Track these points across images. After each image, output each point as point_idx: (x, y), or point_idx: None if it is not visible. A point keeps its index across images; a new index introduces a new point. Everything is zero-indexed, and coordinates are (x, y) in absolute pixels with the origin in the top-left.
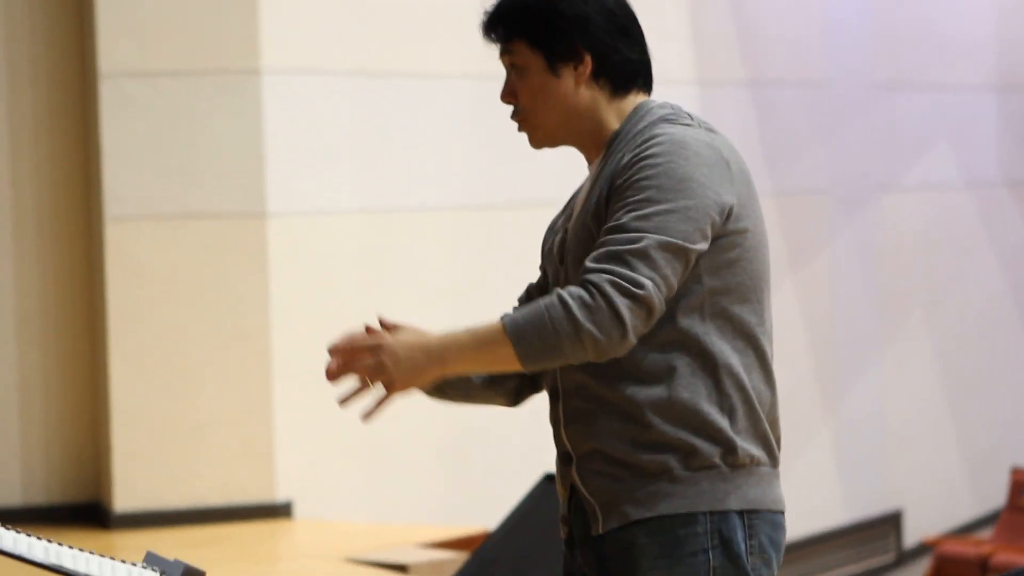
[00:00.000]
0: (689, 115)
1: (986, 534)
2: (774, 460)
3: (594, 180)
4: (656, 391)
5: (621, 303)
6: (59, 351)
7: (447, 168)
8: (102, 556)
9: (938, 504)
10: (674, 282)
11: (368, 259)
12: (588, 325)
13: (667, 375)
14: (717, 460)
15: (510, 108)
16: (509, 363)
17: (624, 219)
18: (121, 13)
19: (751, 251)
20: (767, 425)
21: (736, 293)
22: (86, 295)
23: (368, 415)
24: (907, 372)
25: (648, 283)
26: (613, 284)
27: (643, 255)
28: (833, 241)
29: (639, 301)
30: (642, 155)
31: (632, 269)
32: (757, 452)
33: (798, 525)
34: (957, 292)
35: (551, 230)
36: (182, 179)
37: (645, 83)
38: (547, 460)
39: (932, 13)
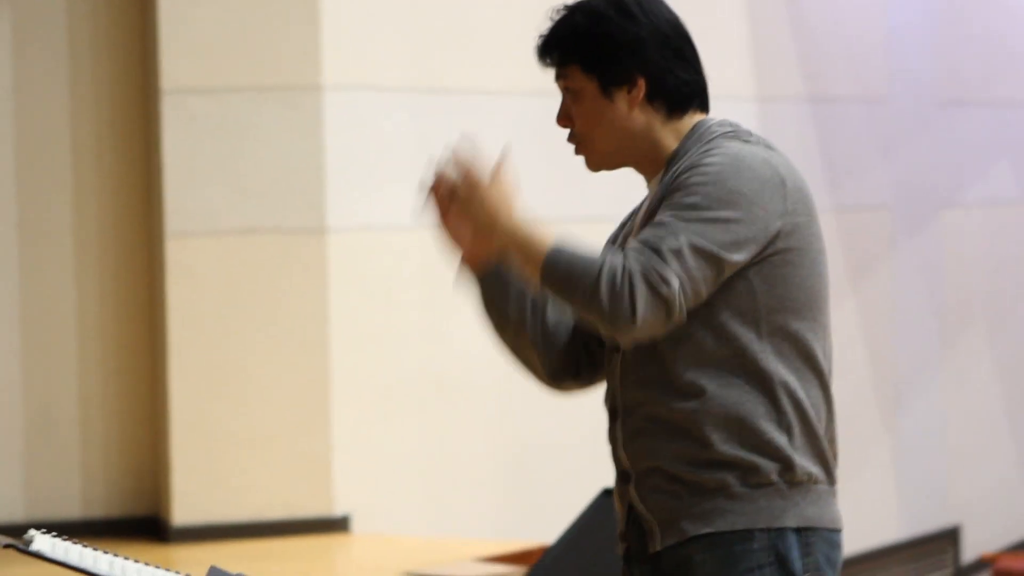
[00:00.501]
0: (749, 132)
1: None
2: (831, 478)
3: (652, 198)
4: (714, 409)
5: (641, 294)
6: (119, 365)
7: None
8: (167, 570)
9: (997, 520)
10: (702, 288)
11: (428, 275)
12: (604, 300)
13: (725, 393)
14: (775, 477)
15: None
16: (532, 266)
17: (666, 218)
18: (183, 30)
19: (805, 268)
20: (825, 443)
21: (792, 310)
22: (146, 310)
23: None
24: (967, 388)
25: (675, 282)
26: (644, 274)
27: (678, 253)
28: (894, 257)
29: (661, 298)
30: (697, 164)
31: (665, 263)
32: (815, 469)
33: (855, 540)
34: (1018, 309)
35: (609, 245)
36: (242, 194)
37: (701, 103)
38: (606, 475)
39: (994, 29)
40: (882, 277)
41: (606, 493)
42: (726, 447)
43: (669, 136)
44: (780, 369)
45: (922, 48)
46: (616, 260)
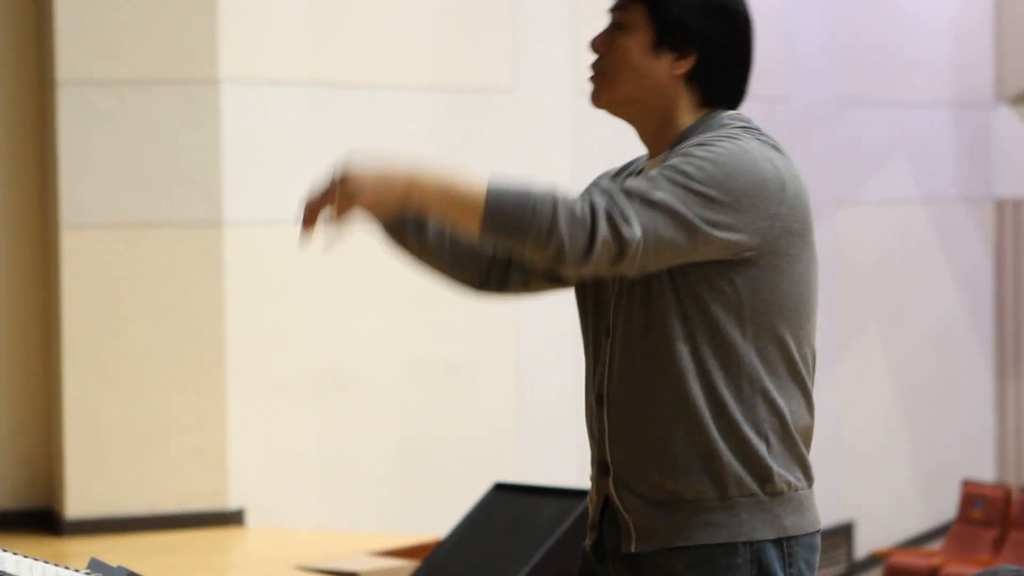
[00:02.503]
0: (759, 129)
1: (937, 546)
2: (810, 480)
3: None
4: (700, 407)
5: (602, 230)
6: (13, 358)
7: None
8: (46, 562)
9: (890, 516)
10: (665, 250)
11: (324, 269)
12: (562, 228)
13: (713, 393)
14: (755, 489)
15: (463, 123)
16: (469, 217)
17: (656, 175)
18: (80, 21)
19: (794, 276)
20: (803, 448)
21: (778, 316)
22: (41, 302)
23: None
24: (862, 385)
25: (638, 229)
26: (608, 212)
27: (651, 204)
28: None
29: (620, 239)
30: (705, 142)
31: (633, 208)
32: (793, 477)
33: None
34: (913, 307)
35: None
36: (139, 188)
37: (732, 105)
38: (499, 468)
39: (892, 31)
40: None
41: (497, 488)
42: (710, 451)
43: (687, 117)
44: (762, 374)
45: (820, 49)
46: (572, 196)
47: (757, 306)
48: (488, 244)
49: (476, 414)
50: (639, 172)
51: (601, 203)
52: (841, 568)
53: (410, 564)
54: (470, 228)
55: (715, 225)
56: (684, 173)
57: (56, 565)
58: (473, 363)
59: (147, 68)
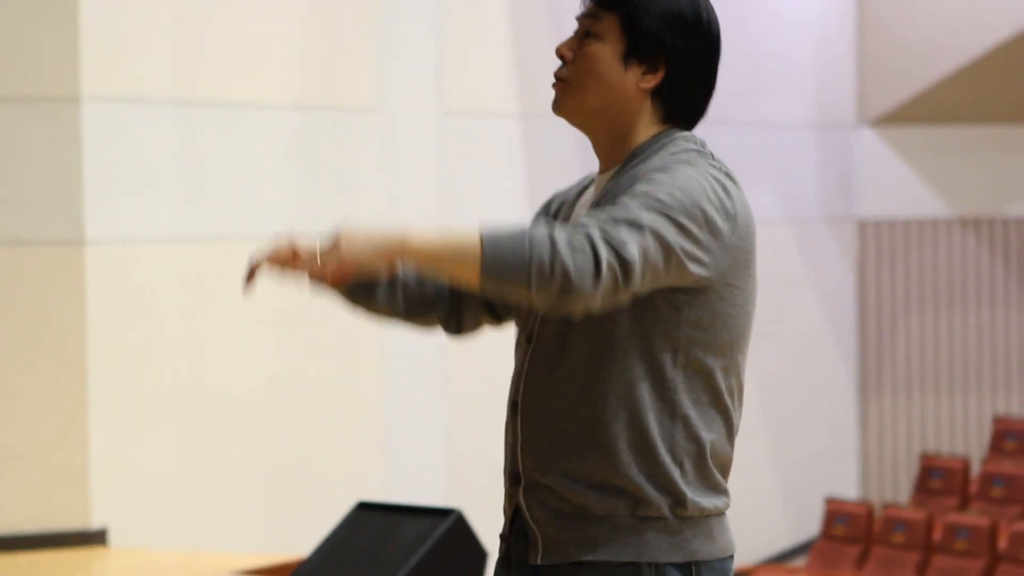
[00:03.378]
0: (713, 155)
1: (801, 563)
2: (725, 503)
3: (600, 195)
4: (618, 430)
5: (604, 254)
6: None
7: (268, 197)
8: None
9: (754, 533)
10: (651, 276)
11: (189, 287)
12: (566, 259)
13: (632, 412)
14: (665, 511)
15: (328, 141)
16: (467, 267)
17: (629, 201)
18: None
19: (737, 307)
20: (719, 477)
21: (713, 345)
22: None
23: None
24: None
25: (637, 253)
26: (605, 238)
27: (639, 229)
28: None
29: (623, 262)
30: (668, 165)
31: (626, 236)
32: (707, 503)
33: None
34: (776, 326)
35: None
36: (0, 205)
37: (690, 124)
38: (364, 488)
39: (754, 51)
40: None
41: (360, 507)
42: (623, 472)
43: (644, 133)
44: (685, 401)
45: None
46: (565, 230)
47: (695, 336)
48: (489, 293)
49: (342, 433)
50: (589, 185)
51: (595, 231)
52: None
53: None
54: (470, 278)
55: (689, 257)
56: (659, 200)
57: None
58: (339, 381)
59: (7, 85)
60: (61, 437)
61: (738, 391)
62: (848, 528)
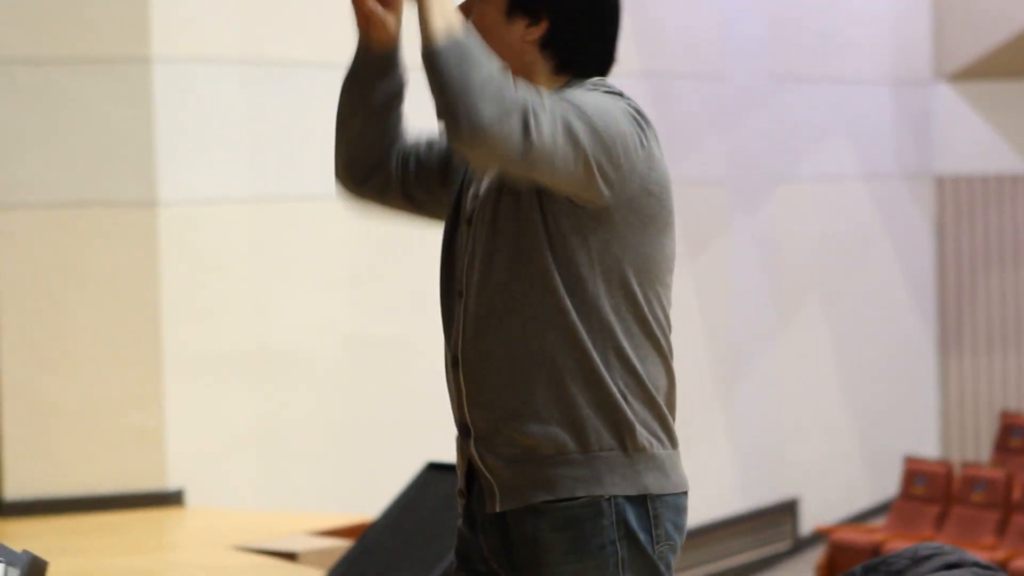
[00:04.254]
0: (623, 95)
1: (880, 522)
2: (674, 441)
3: None
4: (560, 360)
5: (515, 119)
6: None
7: None
8: None
9: (834, 493)
10: (560, 168)
11: (259, 247)
12: (495, 96)
13: (572, 346)
14: (615, 444)
15: None
16: (431, 30)
17: (550, 98)
18: None
19: (649, 235)
20: (665, 408)
21: (631, 271)
22: None
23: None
24: (803, 362)
25: (548, 137)
26: (526, 102)
27: (554, 116)
28: (729, 232)
29: (528, 136)
30: (573, 89)
31: (544, 117)
32: (656, 435)
33: (695, 512)
34: (853, 283)
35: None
36: (71, 167)
37: (597, 75)
38: (438, 447)
39: (829, 8)
40: (718, 252)
41: (430, 467)
42: (570, 404)
43: (544, 86)
44: (617, 331)
45: (757, 25)
46: (521, 88)
47: (609, 262)
48: (426, 71)
49: (413, 392)
50: None
51: (530, 95)
52: (786, 545)
53: (347, 543)
54: (426, 45)
55: (596, 161)
56: (576, 104)
57: None
58: (410, 341)
59: (77, 47)
60: (137, 398)
61: (666, 323)
62: (927, 487)
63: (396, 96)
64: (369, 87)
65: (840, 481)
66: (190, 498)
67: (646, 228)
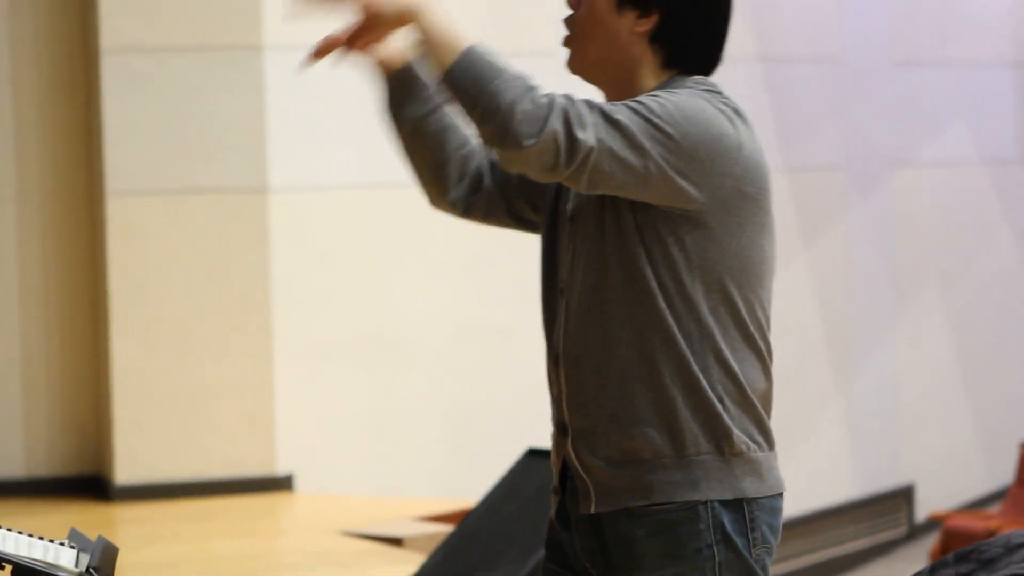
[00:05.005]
0: (722, 94)
1: (997, 509)
2: (771, 443)
3: None
4: (660, 361)
5: (554, 122)
6: (62, 324)
7: None
8: (20, 533)
9: (950, 479)
10: (619, 172)
11: (369, 234)
12: (518, 106)
13: (671, 348)
14: (712, 448)
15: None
16: (442, 57)
17: (615, 103)
18: None
19: (747, 238)
20: (761, 411)
21: (729, 275)
22: (89, 269)
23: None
24: (921, 347)
25: (592, 139)
26: (565, 110)
27: (611, 122)
28: (847, 217)
29: (571, 138)
30: (662, 89)
31: (590, 120)
32: (752, 439)
33: (809, 498)
34: (972, 268)
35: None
36: (184, 154)
37: (702, 71)
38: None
39: None
40: (835, 237)
41: (530, 453)
42: (669, 408)
43: (650, 79)
44: (716, 333)
45: (876, 9)
46: (546, 90)
47: (706, 266)
48: (444, 96)
49: (523, 380)
50: None
51: (561, 101)
52: (902, 531)
53: (452, 529)
54: (439, 70)
55: (670, 164)
56: (647, 107)
57: (31, 536)
58: (520, 329)
59: (191, 35)
60: (247, 384)
61: (766, 325)
62: None
63: (432, 112)
64: (399, 112)
65: (957, 468)
66: (299, 483)
67: (743, 230)
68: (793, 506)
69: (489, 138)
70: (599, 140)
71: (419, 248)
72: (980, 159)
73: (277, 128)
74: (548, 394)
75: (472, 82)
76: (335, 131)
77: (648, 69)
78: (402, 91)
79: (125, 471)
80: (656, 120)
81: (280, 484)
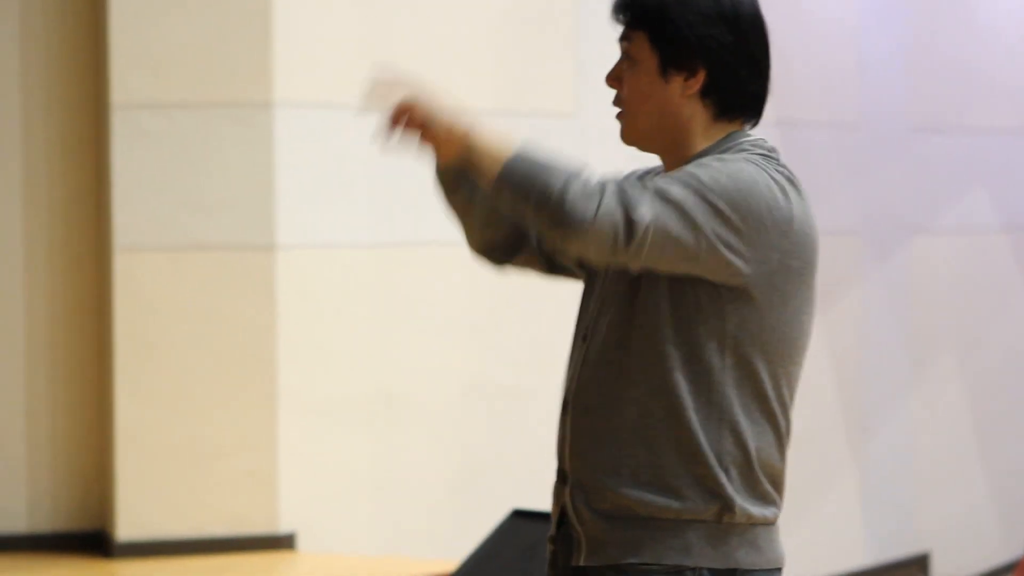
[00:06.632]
0: (779, 160)
1: None
2: (775, 517)
3: None
4: (667, 431)
5: (609, 204)
6: (66, 379)
7: None
8: None
9: (967, 547)
10: (672, 249)
11: (377, 292)
12: (572, 194)
13: (679, 415)
14: (710, 516)
15: None
16: (489, 167)
17: (667, 177)
18: (134, 44)
19: (789, 314)
20: (768, 486)
21: (762, 354)
22: (94, 323)
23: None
24: (938, 414)
25: (648, 215)
26: (619, 192)
27: (665, 200)
28: (863, 282)
29: (628, 220)
30: (723, 156)
31: (643, 200)
32: (755, 511)
33: (822, 565)
34: (991, 335)
35: None
36: (192, 210)
37: (753, 117)
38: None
39: (969, 55)
40: (851, 302)
41: (515, 514)
42: (668, 474)
43: (703, 139)
44: (734, 407)
45: (894, 74)
46: (592, 180)
47: (741, 337)
48: (501, 206)
49: (532, 440)
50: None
51: (613, 184)
52: None
53: None
54: (487, 179)
55: (724, 243)
56: (699, 180)
57: None
58: (528, 389)
59: (201, 92)
60: (251, 441)
61: (789, 401)
62: None
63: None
64: (453, 196)
65: (973, 536)
66: (302, 542)
67: (786, 305)
68: (807, 573)
69: (546, 226)
70: (655, 218)
71: (426, 307)
72: (999, 227)
73: (285, 185)
74: (555, 455)
75: (522, 179)
76: (343, 189)
77: (700, 127)
78: (448, 181)
79: (127, 527)
80: (709, 195)
81: (283, 542)
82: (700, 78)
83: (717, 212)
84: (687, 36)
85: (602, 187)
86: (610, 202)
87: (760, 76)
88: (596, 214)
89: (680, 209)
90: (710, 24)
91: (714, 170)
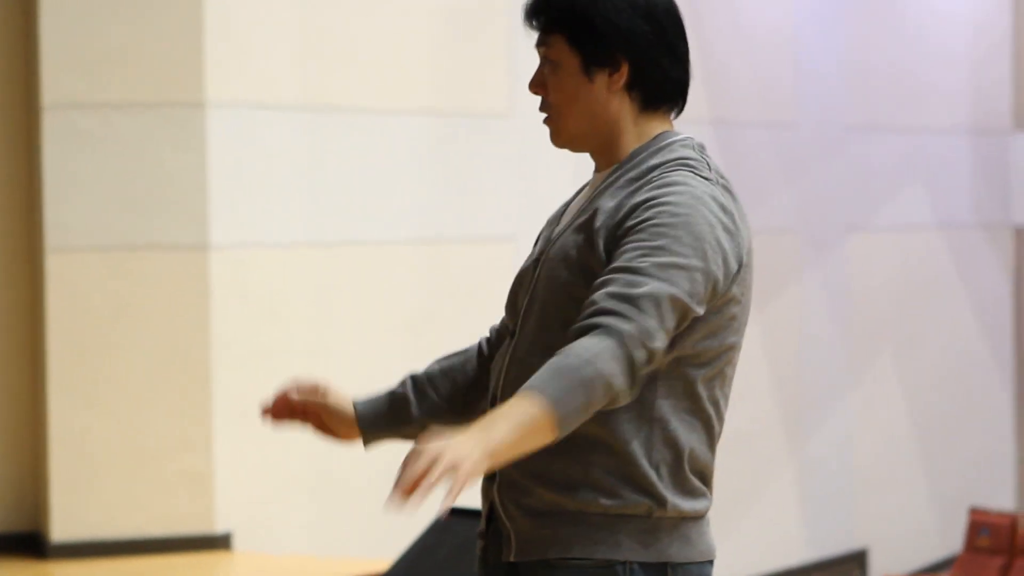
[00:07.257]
0: (708, 164)
1: (946, 574)
2: (705, 509)
3: (593, 195)
4: (593, 431)
5: (639, 358)
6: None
7: (396, 202)
8: None
9: (904, 544)
10: (673, 328)
11: (313, 293)
12: (614, 382)
13: (606, 414)
14: (642, 512)
15: (455, 148)
16: (544, 437)
17: (637, 263)
18: (65, 45)
19: (730, 319)
20: (696, 482)
21: (699, 362)
22: (27, 325)
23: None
24: (875, 412)
25: (660, 336)
26: (640, 338)
27: (657, 305)
28: (801, 281)
29: (652, 356)
30: (661, 200)
31: (647, 318)
32: (685, 506)
33: (762, 562)
34: (928, 333)
35: (541, 236)
36: (125, 210)
37: (677, 105)
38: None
39: (905, 57)
40: (789, 301)
41: (448, 512)
42: (597, 472)
43: (632, 134)
44: (663, 405)
45: (830, 73)
46: (594, 341)
47: (676, 353)
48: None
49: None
50: (580, 201)
51: (627, 331)
52: None
53: None
54: (547, 441)
55: (699, 299)
56: (662, 249)
57: None
58: None
59: (133, 91)
60: (186, 442)
61: (723, 400)
62: (991, 539)
63: (428, 415)
64: (408, 431)
65: (910, 533)
66: (238, 542)
67: (726, 328)
68: (746, 570)
69: (610, 406)
70: (666, 332)
71: (361, 306)
72: (935, 224)
73: (218, 185)
74: None
75: (575, 410)
76: (277, 188)
77: (629, 121)
78: (386, 434)
79: (62, 528)
80: (678, 260)
81: (219, 543)
82: (624, 71)
83: (688, 272)
84: (606, 32)
85: (628, 353)
86: (638, 355)
87: (680, 62)
88: (635, 376)
89: (672, 300)
90: (627, 17)
91: (664, 226)
